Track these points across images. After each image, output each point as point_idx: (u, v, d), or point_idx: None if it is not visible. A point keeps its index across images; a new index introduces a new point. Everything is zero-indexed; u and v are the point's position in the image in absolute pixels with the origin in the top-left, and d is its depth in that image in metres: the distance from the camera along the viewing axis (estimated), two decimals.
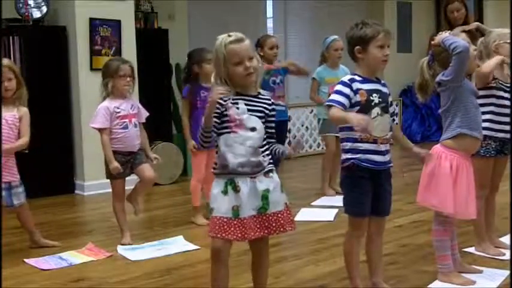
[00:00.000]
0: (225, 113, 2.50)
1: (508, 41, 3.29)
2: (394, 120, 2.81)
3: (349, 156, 2.69)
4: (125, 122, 3.90)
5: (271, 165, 2.56)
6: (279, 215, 2.54)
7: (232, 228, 2.46)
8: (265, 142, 2.55)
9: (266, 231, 2.53)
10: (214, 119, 2.49)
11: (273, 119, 2.61)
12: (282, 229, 2.54)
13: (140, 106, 4.08)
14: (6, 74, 3.66)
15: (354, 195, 2.71)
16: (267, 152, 2.56)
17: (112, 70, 3.89)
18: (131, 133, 3.93)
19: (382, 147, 2.69)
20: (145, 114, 4.09)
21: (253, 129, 2.50)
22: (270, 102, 2.60)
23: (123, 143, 3.91)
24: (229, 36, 2.49)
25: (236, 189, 2.48)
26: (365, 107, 2.64)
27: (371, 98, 2.66)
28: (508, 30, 3.33)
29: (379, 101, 2.69)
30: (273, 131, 2.62)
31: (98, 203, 5.28)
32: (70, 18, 5.61)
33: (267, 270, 2.71)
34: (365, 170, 2.67)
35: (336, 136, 5.32)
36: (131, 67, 3.96)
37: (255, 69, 2.50)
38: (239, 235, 2.47)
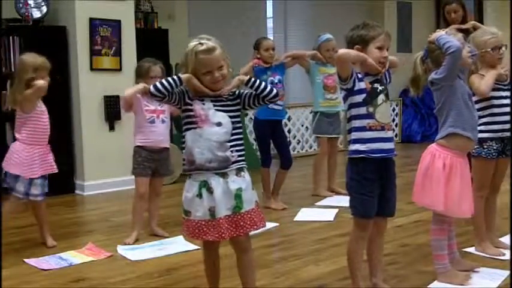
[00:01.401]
0: (190, 108, 2.53)
1: (489, 49, 3.29)
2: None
3: (358, 147, 2.69)
4: (152, 116, 3.94)
5: (242, 163, 2.58)
6: (252, 213, 2.57)
7: (210, 229, 2.51)
8: (233, 137, 2.56)
9: (241, 230, 2.55)
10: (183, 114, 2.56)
11: (257, 84, 2.59)
12: (255, 226, 2.58)
13: None
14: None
15: (361, 197, 2.71)
16: (237, 148, 2.56)
17: (143, 71, 3.96)
18: (158, 128, 3.96)
19: (389, 134, 2.72)
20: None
21: (218, 124, 2.53)
22: (235, 95, 2.60)
23: (149, 137, 3.96)
24: (200, 44, 2.49)
25: (210, 191, 2.51)
26: (371, 94, 2.68)
27: (374, 86, 2.70)
28: (488, 36, 3.32)
29: (382, 88, 2.72)
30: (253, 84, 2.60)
31: (98, 203, 5.29)
32: (70, 18, 5.62)
33: (252, 267, 2.70)
34: (373, 169, 2.67)
35: (329, 137, 5.34)
36: (162, 68, 4.00)
37: (223, 76, 2.53)
38: (216, 235, 2.52)
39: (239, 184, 2.54)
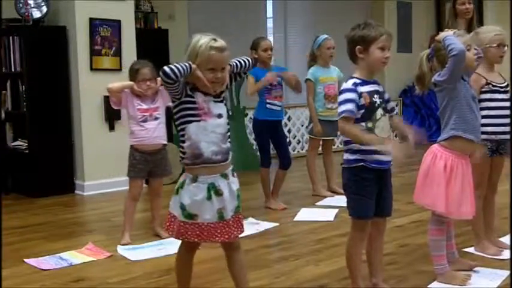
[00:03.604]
0: (192, 100, 2.48)
1: (494, 45, 3.28)
2: (393, 109, 2.83)
3: (357, 157, 2.67)
4: (144, 116, 3.91)
5: (231, 153, 2.59)
6: (241, 214, 2.64)
7: (218, 231, 2.51)
8: (227, 127, 2.56)
9: (242, 228, 2.61)
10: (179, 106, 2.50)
11: (239, 65, 2.58)
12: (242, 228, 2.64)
13: (162, 91, 3.93)
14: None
15: (358, 198, 2.70)
16: (230, 139, 2.57)
17: (132, 74, 3.94)
18: (151, 126, 3.92)
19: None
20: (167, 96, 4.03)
21: (219, 115, 2.51)
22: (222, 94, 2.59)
23: (143, 136, 3.91)
24: (214, 40, 2.46)
25: (219, 193, 2.50)
26: (370, 110, 2.64)
27: (373, 99, 2.66)
28: (494, 32, 3.31)
29: (380, 101, 2.69)
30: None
31: (98, 203, 5.29)
32: (70, 18, 5.62)
33: (245, 265, 2.71)
34: (371, 172, 2.66)
35: (324, 139, 5.33)
36: (150, 70, 3.91)
37: (223, 79, 2.50)
38: (226, 236, 2.52)
39: (236, 185, 2.58)
